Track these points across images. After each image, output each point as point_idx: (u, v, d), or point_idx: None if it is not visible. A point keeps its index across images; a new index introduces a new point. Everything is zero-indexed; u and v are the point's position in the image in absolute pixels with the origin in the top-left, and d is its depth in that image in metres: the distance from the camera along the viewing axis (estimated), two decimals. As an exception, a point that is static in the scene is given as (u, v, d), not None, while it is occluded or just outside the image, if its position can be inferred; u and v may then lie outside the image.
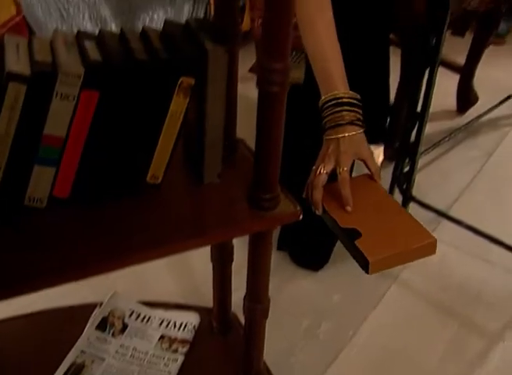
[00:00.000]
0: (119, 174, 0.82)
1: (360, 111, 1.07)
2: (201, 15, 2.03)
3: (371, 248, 0.95)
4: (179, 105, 0.77)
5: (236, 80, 0.89)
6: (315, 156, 1.09)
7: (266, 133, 0.77)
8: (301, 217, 0.84)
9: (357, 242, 0.96)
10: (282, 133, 0.78)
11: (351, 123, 1.05)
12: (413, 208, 1.77)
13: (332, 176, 1.06)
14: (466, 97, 2.40)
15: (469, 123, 2.23)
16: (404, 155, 1.74)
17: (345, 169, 1.04)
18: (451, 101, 2.44)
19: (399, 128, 1.94)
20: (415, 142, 1.68)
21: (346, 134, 1.05)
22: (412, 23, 1.71)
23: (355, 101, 1.06)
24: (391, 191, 1.85)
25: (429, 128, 1.79)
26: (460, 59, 2.36)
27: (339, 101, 1.05)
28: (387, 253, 0.95)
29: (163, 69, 0.75)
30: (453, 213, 1.79)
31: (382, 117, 1.72)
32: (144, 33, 0.81)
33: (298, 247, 1.68)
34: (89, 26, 1.76)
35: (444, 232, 1.77)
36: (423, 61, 1.57)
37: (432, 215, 1.78)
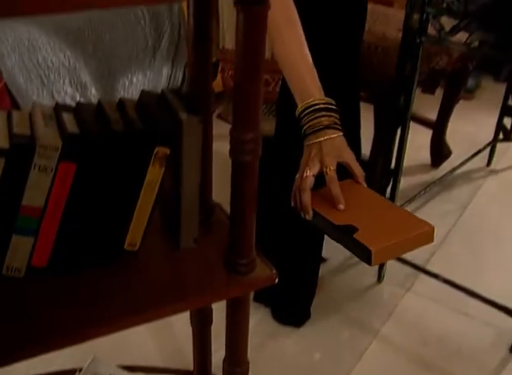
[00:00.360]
0: (97, 242, 0.83)
1: (337, 115, 1.08)
2: (180, 77, 2.09)
3: (370, 239, 0.93)
4: (154, 174, 0.79)
5: (210, 145, 0.92)
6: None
7: (241, 201, 0.80)
8: (277, 281, 0.85)
9: (355, 236, 0.94)
10: (256, 199, 0.80)
11: (330, 127, 1.06)
12: (390, 263, 1.79)
13: (316, 184, 1.06)
14: (439, 151, 2.46)
15: (443, 176, 2.28)
16: (380, 210, 1.77)
17: (331, 168, 1.04)
18: (425, 156, 2.49)
19: (374, 184, 1.98)
20: (390, 198, 1.71)
21: (327, 137, 1.05)
22: (382, 84, 1.77)
23: (332, 107, 1.08)
24: (369, 246, 1.87)
25: (404, 182, 1.83)
26: (432, 115, 2.44)
27: (317, 107, 1.06)
28: (388, 242, 0.94)
29: (139, 140, 0.78)
30: (430, 267, 1.81)
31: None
32: (121, 104, 0.84)
33: (278, 304, 1.68)
34: (69, 91, 1.80)
35: (422, 286, 1.79)
36: (394, 120, 1.62)
37: (409, 269, 1.80)
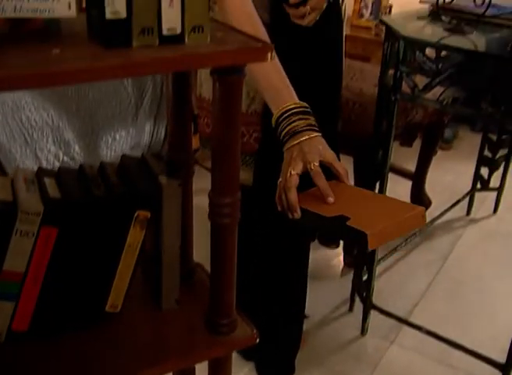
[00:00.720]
0: (78, 305, 0.83)
1: (314, 118, 1.09)
2: (162, 134, 2.12)
3: (364, 224, 0.92)
4: (135, 237, 0.81)
5: (191, 206, 0.94)
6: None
7: (220, 262, 0.81)
8: (258, 340, 0.85)
9: (348, 223, 0.93)
10: (236, 260, 0.81)
11: (308, 129, 1.07)
12: (373, 316, 1.79)
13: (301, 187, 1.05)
14: (419, 201, 2.49)
15: (424, 226, 2.31)
16: (362, 263, 1.78)
17: (315, 164, 1.03)
18: (406, 206, 2.52)
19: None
20: (372, 250, 1.73)
21: (306, 137, 1.05)
22: (360, 139, 1.81)
23: (308, 110, 1.09)
24: (352, 299, 1.88)
25: (385, 234, 1.85)
26: (411, 166, 2.48)
27: (293, 111, 1.07)
28: (382, 225, 0.93)
29: (120, 204, 0.79)
30: (413, 318, 1.82)
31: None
32: (102, 168, 0.85)
33: (263, 359, 1.67)
34: (53, 149, 1.82)
35: (406, 338, 1.79)
36: (373, 173, 1.65)
37: (393, 322, 1.80)
